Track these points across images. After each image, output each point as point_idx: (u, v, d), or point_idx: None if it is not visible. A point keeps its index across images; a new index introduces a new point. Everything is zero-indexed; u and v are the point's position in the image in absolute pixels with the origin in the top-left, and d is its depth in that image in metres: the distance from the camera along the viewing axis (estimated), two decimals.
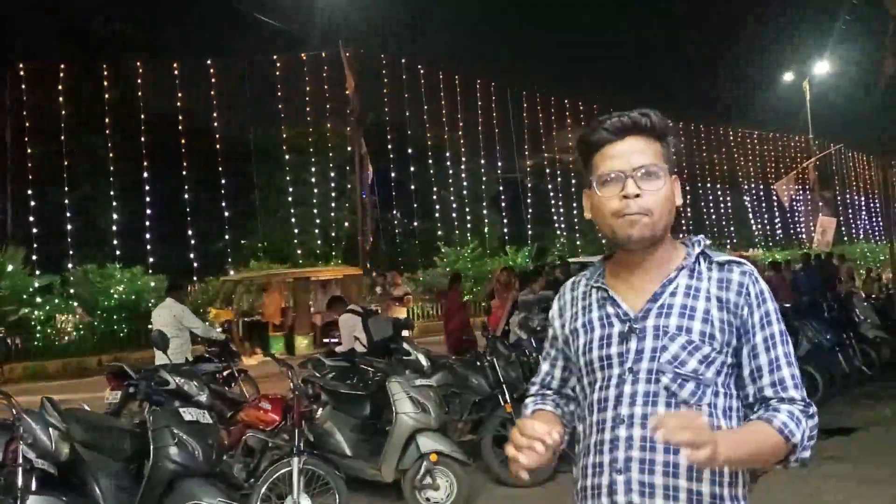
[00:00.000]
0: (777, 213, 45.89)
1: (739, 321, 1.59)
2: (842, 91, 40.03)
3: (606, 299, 1.66)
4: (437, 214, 27.78)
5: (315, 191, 25.24)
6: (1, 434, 4.21)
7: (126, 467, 4.41)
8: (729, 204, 44.23)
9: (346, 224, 25.60)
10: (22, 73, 19.96)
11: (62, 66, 20.07)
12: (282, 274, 17.81)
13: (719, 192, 44.16)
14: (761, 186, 45.95)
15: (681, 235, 1.71)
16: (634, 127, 1.59)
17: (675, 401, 1.55)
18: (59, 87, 20.10)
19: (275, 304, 16.31)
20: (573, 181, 34.50)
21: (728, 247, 39.55)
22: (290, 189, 24.66)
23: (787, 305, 10.17)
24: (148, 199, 21.13)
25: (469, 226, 28.64)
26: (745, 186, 45.93)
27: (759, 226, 46.40)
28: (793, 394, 1.56)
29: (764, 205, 46.25)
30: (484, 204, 30.48)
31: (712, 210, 43.61)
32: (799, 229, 45.79)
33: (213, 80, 22.86)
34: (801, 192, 40.71)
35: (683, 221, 41.23)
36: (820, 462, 5.82)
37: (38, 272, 18.09)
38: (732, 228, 43.79)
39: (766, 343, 1.59)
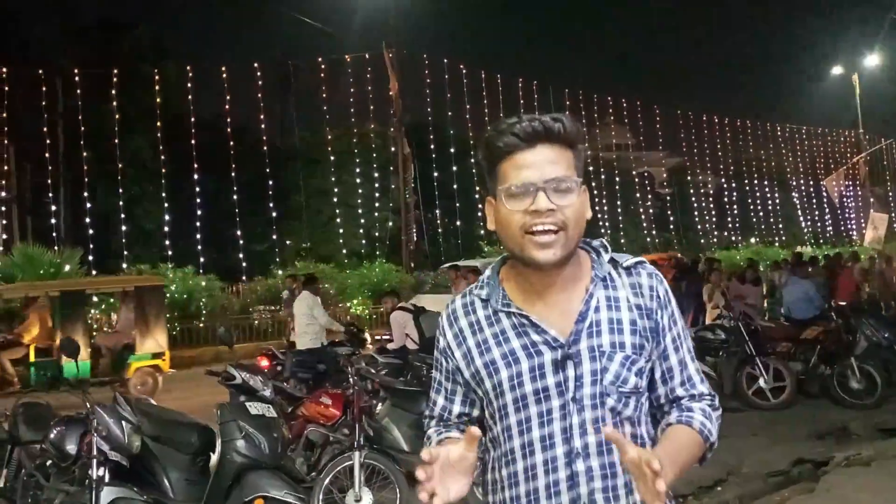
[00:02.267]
0: (827, 210, 44.84)
1: (656, 325, 1.54)
2: (893, 83, 38.95)
3: (527, 325, 1.50)
4: (479, 213, 27.80)
5: (359, 191, 25.46)
6: (76, 427, 4.33)
7: (193, 460, 4.51)
8: (777, 201, 43.34)
9: (389, 224, 25.76)
10: (77, 77, 20.57)
11: (114, 70, 20.61)
12: (47, 286, 14.01)
13: (767, 189, 43.31)
14: (811, 183, 44.97)
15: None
16: (546, 133, 1.46)
17: (620, 419, 1.49)
18: (111, 92, 20.63)
19: (40, 323, 12.86)
20: (617, 179, 34.26)
21: (777, 244, 38.82)
22: (334, 189, 24.90)
23: (843, 304, 9.98)
24: (198, 200, 21.57)
25: None
26: (794, 183, 44.98)
27: (809, 223, 45.40)
28: (701, 389, 1.57)
29: (814, 201, 45.23)
30: None
31: (759, 207, 42.80)
32: (850, 226, 44.72)
33: (258, 82, 23.24)
34: (851, 188, 39.76)
35: (730, 219, 40.66)
36: (885, 461, 5.72)
37: (93, 272, 18.54)
38: (781, 226, 42.92)
39: (675, 343, 1.57)
